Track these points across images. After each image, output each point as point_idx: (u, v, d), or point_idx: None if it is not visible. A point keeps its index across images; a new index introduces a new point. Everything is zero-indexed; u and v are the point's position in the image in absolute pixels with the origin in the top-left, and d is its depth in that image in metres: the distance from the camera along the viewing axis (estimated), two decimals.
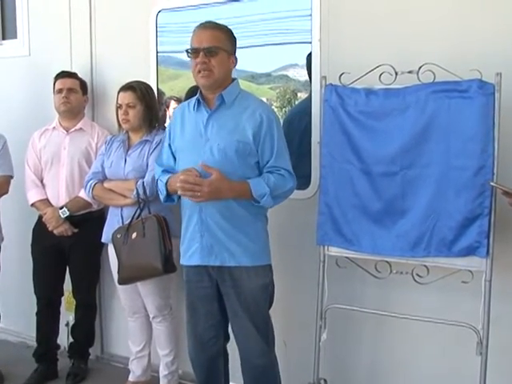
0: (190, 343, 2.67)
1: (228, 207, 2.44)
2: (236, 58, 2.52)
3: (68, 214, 3.28)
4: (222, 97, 2.47)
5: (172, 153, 2.60)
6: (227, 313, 2.58)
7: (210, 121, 2.47)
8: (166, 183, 2.55)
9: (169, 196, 2.58)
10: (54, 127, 3.44)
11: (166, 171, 2.60)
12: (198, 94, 2.53)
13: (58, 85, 3.37)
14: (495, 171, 2.31)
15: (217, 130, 2.46)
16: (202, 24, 2.48)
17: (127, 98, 3.01)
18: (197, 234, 2.49)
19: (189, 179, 2.35)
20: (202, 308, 2.58)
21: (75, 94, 3.39)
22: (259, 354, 2.54)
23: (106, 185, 3.05)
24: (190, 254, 2.53)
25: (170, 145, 2.61)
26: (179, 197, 2.54)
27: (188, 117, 2.56)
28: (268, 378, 2.59)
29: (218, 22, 2.52)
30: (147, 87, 3.09)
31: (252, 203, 2.45)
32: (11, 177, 3.41)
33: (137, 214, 2.84)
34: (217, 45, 2.42)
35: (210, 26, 2.46)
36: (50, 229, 3.29)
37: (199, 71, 2.42)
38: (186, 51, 2.45)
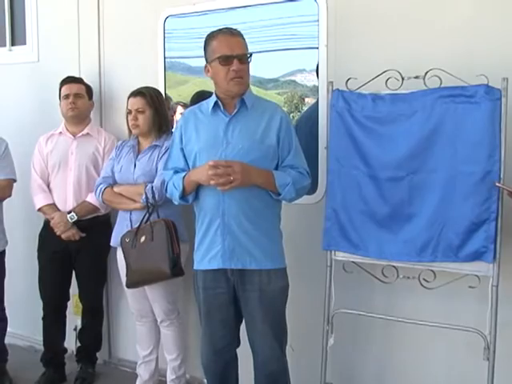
0: (205, 351, 2.63)
1: (252, 207, 2.44)
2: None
3: (76, 218, 3.29)
4: (243, 101, 2.48)
5: (184, 156, 2.55)
6: (243, 317, 2.58)
7: (231, 124, 2.46)
8: (184, 177, 2.48)
9: (184, 195, 2.51)
10: (60, 132, 3.45)
11: (177, 172, 2.55)
12: (214, 98, 2.50)
13: (65, 90, 3.39)
14: (502, 176, 2.31)
15: (238, 133, 2.45)
16: (226, 31, 2.45)
17: (137, 103, 3.03)
18: (218, 238, 2.46)
19: (220, 162, 2.33)
20: (218, 315, 2.55)
21: (82, 99, 3.40)
22: (274, 360, 2.53)
23: (115, 189, 3.07)
24: (209, 258, 2.49)
25: (182, 149, 2.56)
26: (194, 196, 2.50)
27: (202, 121, 2.53)
28: None
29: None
30: (157, 93, 3.11)
31: (272, 197, 2.45)
32: (14, 180, 3.40)
33: (145, 218, 2.85)
34: (246, 52, 2.43)
35: (236, 32, 2.45)
36: (58, 233, 3.30)
37: (232, 78, 2.40)
38: (218, 58, 2.39)
